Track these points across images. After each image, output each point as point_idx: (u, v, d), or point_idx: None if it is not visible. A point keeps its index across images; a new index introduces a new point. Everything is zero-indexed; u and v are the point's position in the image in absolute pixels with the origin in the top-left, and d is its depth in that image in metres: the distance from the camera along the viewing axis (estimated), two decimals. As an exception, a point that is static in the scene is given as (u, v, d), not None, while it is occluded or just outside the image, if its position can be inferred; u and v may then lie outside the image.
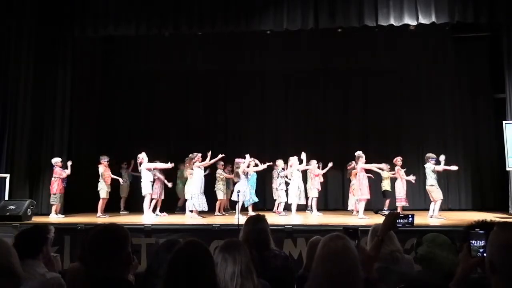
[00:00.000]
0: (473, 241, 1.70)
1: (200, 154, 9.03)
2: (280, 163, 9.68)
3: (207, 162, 9.01)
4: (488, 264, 1.48)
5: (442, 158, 8.57)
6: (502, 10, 8.59)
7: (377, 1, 8.69)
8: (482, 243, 1.68)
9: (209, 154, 9.02)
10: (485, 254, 1.59)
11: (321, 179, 9.90)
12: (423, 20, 8.62)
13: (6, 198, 8.63)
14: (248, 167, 9.15)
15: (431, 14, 8.58)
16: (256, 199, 9.36)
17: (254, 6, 9.09)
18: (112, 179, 9.49)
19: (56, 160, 8.94)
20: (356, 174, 9.06)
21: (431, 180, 8.21)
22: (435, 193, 8.15)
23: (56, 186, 8.78)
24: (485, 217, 1.99)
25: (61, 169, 8.88)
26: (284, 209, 9.54)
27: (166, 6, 9.18)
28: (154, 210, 9.22)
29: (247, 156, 9.16)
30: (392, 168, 9.34)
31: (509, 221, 1.80)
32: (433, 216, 8.06)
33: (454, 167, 8.57)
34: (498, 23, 9.21)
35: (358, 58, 11.63)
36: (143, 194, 9.03)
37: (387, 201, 9.54)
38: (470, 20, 8.69)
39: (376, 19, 8.72)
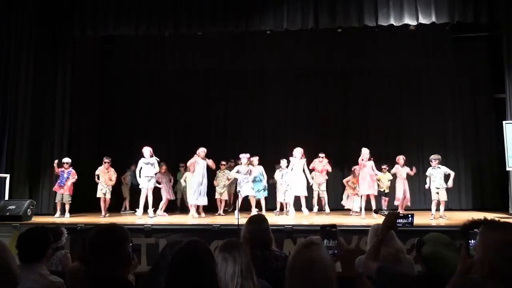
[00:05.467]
0: (471, 241, 1.70)
1: (205, 149, 8.93)
2: (283, 163, 9.56)
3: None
4: (482, 264, 1.47)
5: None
6: (502, 10, 8.59)
7: (377, 1, 8.68)
8: None
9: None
10: None
11: (326, 176, 9.53)
12: (423, 20, 8.62)
13: (6, 198, 8.63)
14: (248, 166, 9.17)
15: (431, 14, 8.57)
16: (261, 196, 9.17)
17: (254, 6, 9.09)
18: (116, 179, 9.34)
19: (63, 161, 8.80)
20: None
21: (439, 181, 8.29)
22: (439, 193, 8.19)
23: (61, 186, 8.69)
24: (485, 217, 1.97)
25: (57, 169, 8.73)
26: (281, 209, 9.57)
27: (166, 6, 9.18)
28: (155, 211, 9.04)
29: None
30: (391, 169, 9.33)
31: (495, 220, 1.80)
32: (434, 217, 8.06)
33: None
34: (498, 23, 9.21)
35: (358, 58, 11.60)
36: (140, 187, 8.86)
37: (387, 201, 9.53)
38: (470, 20, 8.68)
39: (376, 19, 8.72)
